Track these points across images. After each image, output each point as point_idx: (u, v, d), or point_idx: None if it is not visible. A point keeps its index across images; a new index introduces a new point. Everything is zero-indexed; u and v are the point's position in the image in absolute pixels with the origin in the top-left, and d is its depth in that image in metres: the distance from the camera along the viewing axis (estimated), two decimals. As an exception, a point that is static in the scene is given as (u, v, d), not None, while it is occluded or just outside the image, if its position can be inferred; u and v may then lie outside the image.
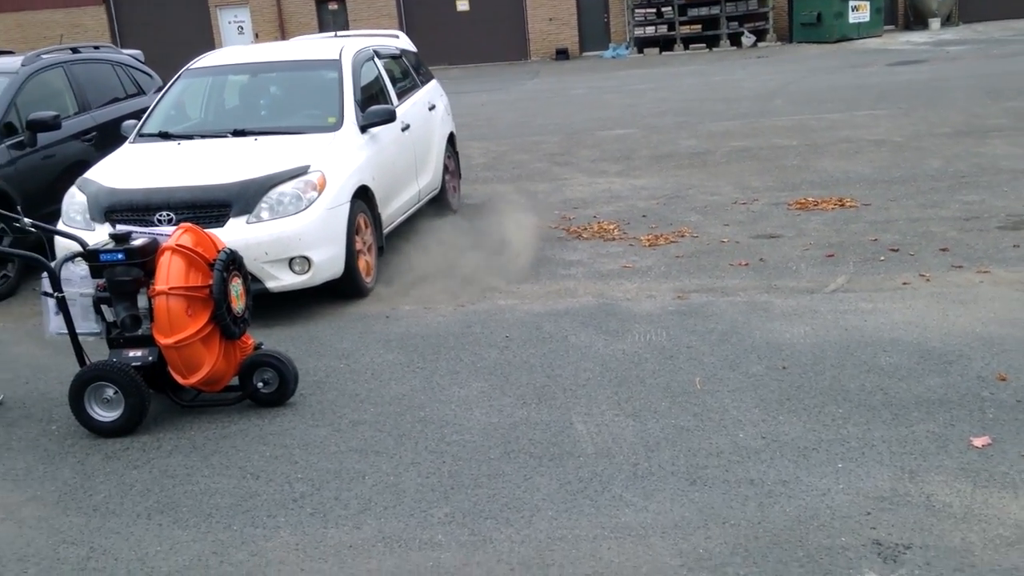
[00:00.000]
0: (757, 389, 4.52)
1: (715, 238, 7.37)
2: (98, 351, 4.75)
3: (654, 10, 28.46)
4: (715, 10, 28.07)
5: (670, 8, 28.21)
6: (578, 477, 3.80)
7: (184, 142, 6.79)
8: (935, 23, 27.27)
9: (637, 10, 28.54)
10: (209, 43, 28.32)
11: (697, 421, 4.23)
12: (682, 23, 28.26)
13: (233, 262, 4.60)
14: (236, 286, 4.60)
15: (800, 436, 4.02)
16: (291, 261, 5.97)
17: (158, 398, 4.67)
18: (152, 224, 5.85)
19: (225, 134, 6.83)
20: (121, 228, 4.65)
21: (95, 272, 4.51)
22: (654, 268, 6.72)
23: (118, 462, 4.23)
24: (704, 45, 28.01)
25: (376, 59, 7.94)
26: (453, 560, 3.29)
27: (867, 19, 26.46)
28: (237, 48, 7.96)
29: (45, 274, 4.47)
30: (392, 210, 7.28)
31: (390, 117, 7.09)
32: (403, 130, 7.70)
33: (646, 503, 3.57)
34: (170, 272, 4.33)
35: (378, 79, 7.81)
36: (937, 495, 3.48)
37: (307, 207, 6.04)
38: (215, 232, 5.57)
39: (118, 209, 6.00)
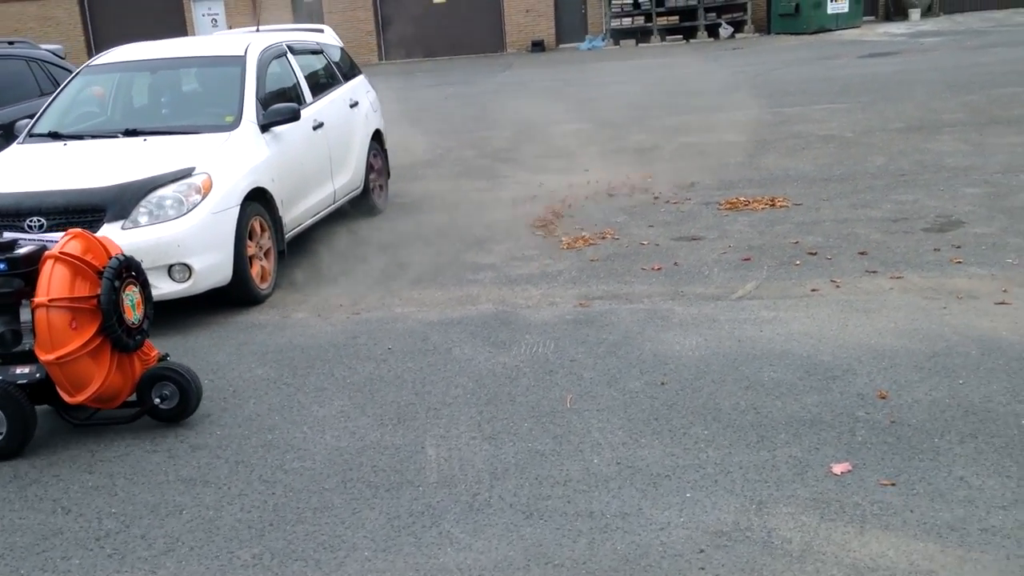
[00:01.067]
0: (628, 408, 4.26)
1: (636, 240, 7.10)
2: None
3: (631, 1, 28.14)
4: (692, 1, 27.75)
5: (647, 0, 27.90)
6: (409, 511, 3.53)
7: (72, 143, 6.50)
8: (915, 14, 26.99)
9: (614, 1, 28.22)
10: (183, 36, 27.97)
11: (555, 444, 3.97)
12: (659, 14, 27.92)
13: (127, 268, 4.28)
14: (131, 295, 4.29)
15: (656, 461, 3.75)
16: (170, 268, 5.70)
17: (49, 417, 4.40)
18: (23, 231, 5.58)
19: (116, 134, 6.55)
20: (7, 235, 4.32)
21: None
22: (565, 272, 6.45)
23: (-68, 491, 3.96)
24: (681, 37, 27.69)
25: (289, 55, 7.66)
26: (247, 606, 3.03)
27: (846, 9, 26.16)
28: (143, 44, 7.65)
29: None
30: (299, 212, 7.01)
31: (293, 116, 6.81)
32: (315, 128, 7.42)
33: (472, 540, 3.31)
34: (51, 282, 4.00)
35: (289, 76, 7.53)
36: (779, 530, 3.22)
37: (189, 211, 5.76)
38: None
39: (-12, 214, 5.72)
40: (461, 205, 8.68)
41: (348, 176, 8.05)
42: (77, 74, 7.32)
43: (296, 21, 30.34)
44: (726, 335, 5.06)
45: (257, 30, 8.61)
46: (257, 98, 6.78)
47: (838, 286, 5.70)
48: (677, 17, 27.89)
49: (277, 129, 6.79)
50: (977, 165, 8.49)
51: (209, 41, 7.86)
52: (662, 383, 4.50)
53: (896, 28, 25.23)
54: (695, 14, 27.76)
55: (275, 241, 6.53)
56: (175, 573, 3.22)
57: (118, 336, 4.17)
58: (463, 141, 12.48)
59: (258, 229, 6.32)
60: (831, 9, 25.94)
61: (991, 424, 3.81)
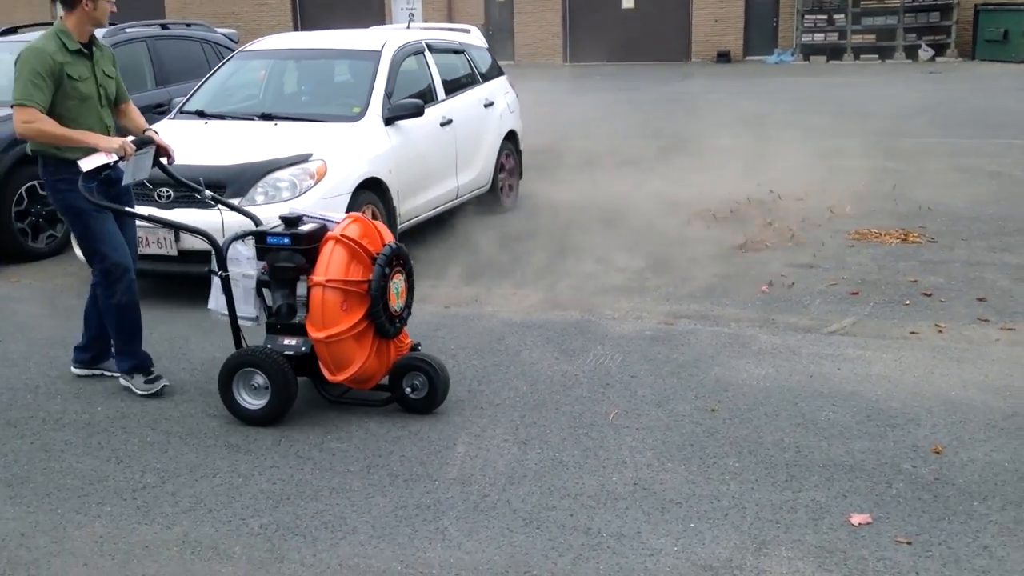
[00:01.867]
0: (668, 430, 4.20)
1: (748, 261, 6.91)
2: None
3: (825, 17, 27.14)
4: (892, 20, 26.46)
5: (843, 16, 26.82)
6: (418, 503, 3.63)
7: (213, 122, 6.99)
8: None
9: (807, 16, 27.31)
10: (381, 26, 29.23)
11: (581, 457, 3.97)
12: (854, 32, 26.78)
13: (397, 257, 4.36)
14: (398, 283, 4.36)
15: (674, 488, 3.69)
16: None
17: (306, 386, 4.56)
18: (152, 199, 6.06)
19: (252, 117, 6.98)
20: (293, 210, 4.48)
21: (261, 254, 4.37)
22: (664, 287, 6.37)
23: (13, 429, 4.38)
24: (877, 56, 26.47)
25: (427, 53, 7.91)
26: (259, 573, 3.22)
27: (1009, 43, 24.21)
28: (293, 34, 8.11)
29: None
30: (417, 204, 7.24)
31: (417, 111, 7.04)
32: (443, 125, 7.64)
33: (464, 540, 3.37)
34: (331, 263, 4.14)
35: (424, 73, 7.78)
36: (769, 573, 3.10)
37: (301, 194, 6.08)
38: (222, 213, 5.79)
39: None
40: (581, 208, 8.68)
41: (475, 173, 8.23)
42: (230, 59, 7.84)
43: (488, 19, 31.10)
44: (800, 369, 4.87)
45: (408, 27, 8.94)
46: (385, 92, 7.06)
47: (941, 331, 5.37)
48: (874, 36, 26.67)
49: (402, 123, 7.04)
50: None
51: (353, 35, 8.22)
52: (712, 409, 4.40)
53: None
54: (894, 34, 26.46)
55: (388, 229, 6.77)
56: (187, 531, 3.46)
57: (382, 322, 4.25)
58: (610, 147, 12.42)
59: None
60: (1045, 38, 24.09)
61: (1043, 496, 3.53)
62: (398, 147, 6.96)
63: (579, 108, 16.81)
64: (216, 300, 4.49)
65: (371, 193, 6.60)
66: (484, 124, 8.48)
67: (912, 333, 5.37)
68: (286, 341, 4.35)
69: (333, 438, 4.20)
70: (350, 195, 6.33)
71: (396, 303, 4.35)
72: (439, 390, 4.39)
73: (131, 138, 4.58)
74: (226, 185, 6.05)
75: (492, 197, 8.69)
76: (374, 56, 7.31)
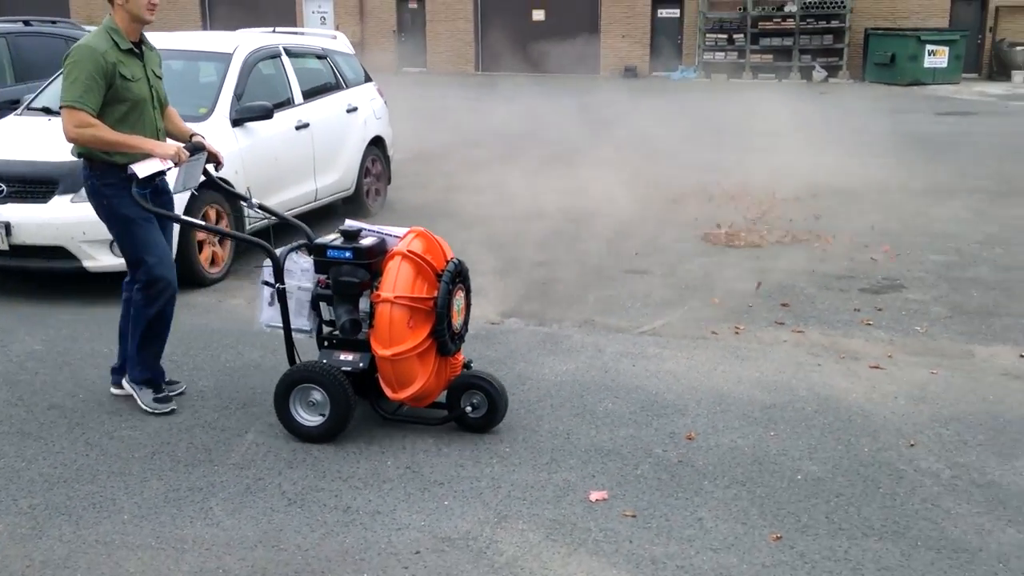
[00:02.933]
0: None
1: (579, 264, 7.23)
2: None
3: (726, 36, 28.04)
4: (788, 41, 27.47)
5: (742, 36, 27.75)
6: (191, 486, 3.80)
7: (56, 119, 7.02)
8: (1019, 75, 26.02)
9: (709, 35, 28.16)
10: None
11: (364, 445, 4.18)
12: (753, 52, 27.74)
13: (459, 274, 4.28)
14: (459, 300, 4.28)
15: (442, 470, 3.93)
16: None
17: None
18: (-14, 194, 6.10)
19: (100, 115, 7.04)
20: (350, 224, 4.32)
21: (320, 267, 4.26)
22: (505, 288, 6.63)
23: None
24: (774, 75, 27.42)
25: (284, 57, 8.07)
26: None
27: (944, 65, 25.45)
28: (152, 34, 8.15)
29: (267, 262, 4.26)
30: (268, 205, 7.36)
31: (266, 113, 7.20)
32: (299, 128, 7.81)
33: (225, 518, 3.55)
34: (398, 279, 4.06)
35: (281, 77, 7.94)
36: (500, 543, 3.37)
37: (138, 193, 6.18)
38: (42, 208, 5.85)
39: (-40, 178, 6.25)
40: (453, 215, 8.92)
41: (335, 176, 8.41)
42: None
43: (400, 26, 31.27)
44: (599, 365, 5.17)
45: (274, 31, 9.08)
46: (235, 94, 7.20)
47: (738, 333, 5.74)
48: (771, 56, 27.65)
49: (252, 125, 7.19)
50: (962, 233, 8.30)
51: (209, 37, 8.34)
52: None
53: (993, 88, 24.41)
54: (790, 54, 27.47)
55: (234, 229, 6.90)
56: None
57: (445, 340, 4.16)
58: (500, 153, 12.70)
59: (213, 216, 6.70)
60: (928, 63, 25.28)
61: (767, 475, 3.86)
62: (246, 149, 7.11)
63: (481, 116, 17.11)
64: (266, 313, 4.38)
65: (215, 193, 6.73)
66: (346, 129, 8.67)
67: (713, 333, 5.73)
68: (343, 357, 4.24)
69: (127, 426, 4.34)
70: (190, 193, 6.44)
71: (457, 320, 4.29)
72: (499, 408, 4.27)
73: (184, 144, 4.44)
74: (59, 181, 6.13)
75: (357, 201, 8.88)
76: (225, 58, 7.45)
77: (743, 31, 27.67)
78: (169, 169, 4.28)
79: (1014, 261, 7.40)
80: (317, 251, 4.24)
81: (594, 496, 3.69)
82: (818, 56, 27.43)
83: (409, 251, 4.09)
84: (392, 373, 4.11)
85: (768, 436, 4.25)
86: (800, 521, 3.52)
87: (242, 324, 5.79)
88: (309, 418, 4.18)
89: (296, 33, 9.38)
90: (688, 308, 6.24)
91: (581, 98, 21.41)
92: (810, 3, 27.37)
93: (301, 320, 4.32)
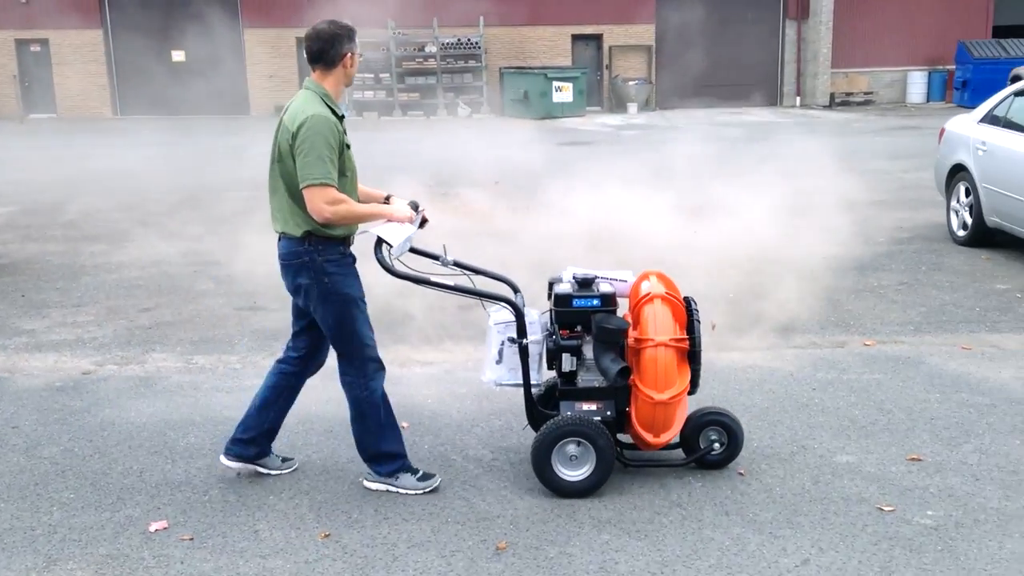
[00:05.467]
0: (21, 473, 4.32)
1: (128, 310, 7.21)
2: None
3: (372, 76, 28.87)
4: (432, 80, 28.82)
5: (388, 75, 28.72)
6: None
7: None
8: (633, 107, 29.13)
9: (357, 74, 28.79)
10: None
11: (-89, 509, 3.95)
12: (400, 90, 28.81)
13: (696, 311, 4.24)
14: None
15: (6, 524, 3.82)
16: None
17: None
18: None
19: None
20: (579, 272, 4.23)
21: (563, 318, 4.15)
22: (99, 338, 6.45)
23: None
24: (422, 113, 28.63)
25: None
26: None
27: (570, 99, 27.87)
28: None
29: (495, 320, 4.15)
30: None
31: None
32: None
33: None
34: (660, 322, 4.03)
35: None
36: (45, 589, 3.36)
37: None
38: None
39: None
40: (58, 267, 8.52)
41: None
42: None
43: (21, 70, 28.98)
44: (190, 403, 5.24)
45: None
46: None
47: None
48: (418, 94, 28.86)
49: None
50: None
51: None
52: (74, 449, 4.58)
53: (613, 119, 27.11)
54: (435, 92, 28.82)
55: None
56: None
57: (698, 378, 4.13)
58: (123, 202, 12.24)
59: None
60: (556, 98, 27.59)
61: (332, 482, 4.19)
62: None
63: (111, 163, 16.31)
64: (495, 370, 4.22)
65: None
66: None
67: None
68: (587, 407, 4.13)
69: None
70: None
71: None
72: (739, 441, 4.30)
73: (408, 203, 4.15)
74: None
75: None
76: None
77: (389, 71, 28.66)
78: (415, 232, 4.06)
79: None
80: (561, 302, 4.16)
81: (154, 527, 3.78)
82: (461, 93, 29.05)
83: (668, 293, 4.15)
84: (658, 417, 4.05)
85: (341, 448, 4.54)
86: (351, 517, 3.84)
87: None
88: (570, 473, 4.04)
89: None
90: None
91: (224, 140, 21.12)
92: (448, 44, 28.94)
93: (536, 375, 4.22)
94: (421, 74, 29.01)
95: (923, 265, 8.13)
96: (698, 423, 4.27)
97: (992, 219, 8.43)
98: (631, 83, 29.56)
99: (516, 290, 4.31)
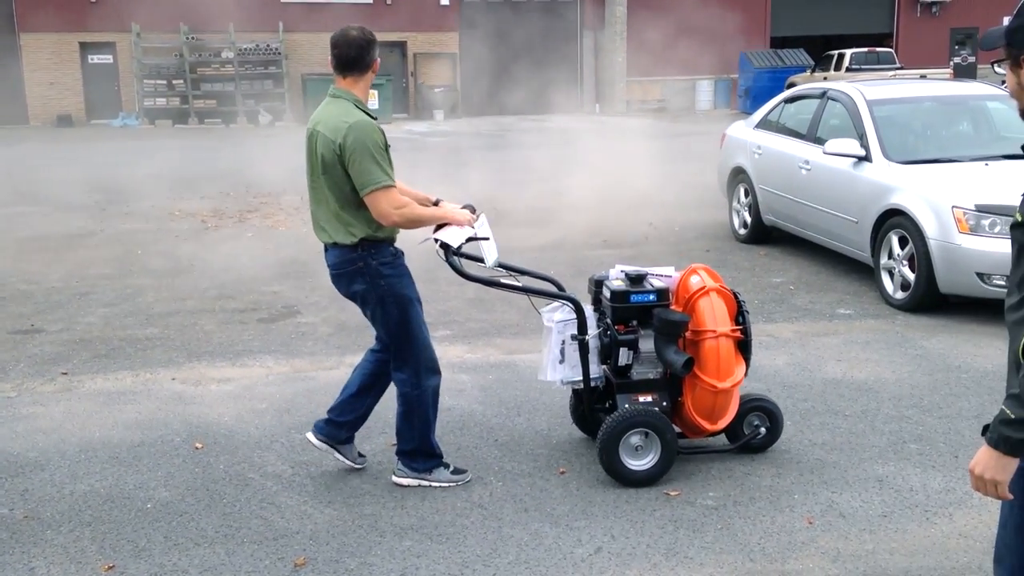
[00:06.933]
0: None
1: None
2: None
3: (165, 82, 27.66)
4: (230, 87, 27.91)
5: (182, 81, 27.60)
6: None
7: None
8: (439, 114, 29.31)
9: (147, 80, 27.54)
10: None
11: None
12: (195, 97, 27.74)
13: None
14: None
15: None
16: None
17: None
18: None
19: None
20: (627, 268, 4.36)
21: (619, 313, 4.23)
22: None
23: None
24: (220, 120, 27.66)
25: None
26: None
27: (376, 106, 27.73)
28: None
29: (550, 318, 4.26)
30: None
31: None
32: None
33: None
34: (717, 314, 4.21)
35: None
36: None
37: None
38: None
39: None
40: None
41: None
42: None
43: None
44: (-42, 434, 4.83)
45: None
46: None
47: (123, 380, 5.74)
48: (215, 101, 27.86)
49: None
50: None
51: None
52: None
53: (419, 126, 27.17)
54: (234, 99, 27.92)
55: None
56: None
57: (748, 365, 4.32)
58: None
59: None
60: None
61: (116, 511, 3.98)
62: None
63: None
64: (555, 368, 4.30)
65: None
66: None
67: (63, 374, 5.69)
68: (644, 399, 4.24)
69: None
70: None
71: None
72: (780, 426, 4.48)
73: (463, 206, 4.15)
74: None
75: None
76: None
77: (183, 77, 27.55)
78: (473, 234, 4.03)
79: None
80: (618, 298, 4.23)
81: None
82: (262, 101, 28.28)
83: (722, 287, 4.29)
84: (717, 405, 4.23)
85: (128, 474, 4.33)
86: (137, 546, 3.67)
87: None
88: (635, 463, 4.16)
89: None
90: (77, 362, 6.09)
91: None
92: (246, 50, 28.12)
93: (596, 370, 4.30)
94: (218, 80, 28.06)
95: (708, 262, 8.60)
96: (741, 410, 4.43)
97: (768, 217, 9.05)
98: (436, 90, 29.74)
99: (561, 288, 4.42)
